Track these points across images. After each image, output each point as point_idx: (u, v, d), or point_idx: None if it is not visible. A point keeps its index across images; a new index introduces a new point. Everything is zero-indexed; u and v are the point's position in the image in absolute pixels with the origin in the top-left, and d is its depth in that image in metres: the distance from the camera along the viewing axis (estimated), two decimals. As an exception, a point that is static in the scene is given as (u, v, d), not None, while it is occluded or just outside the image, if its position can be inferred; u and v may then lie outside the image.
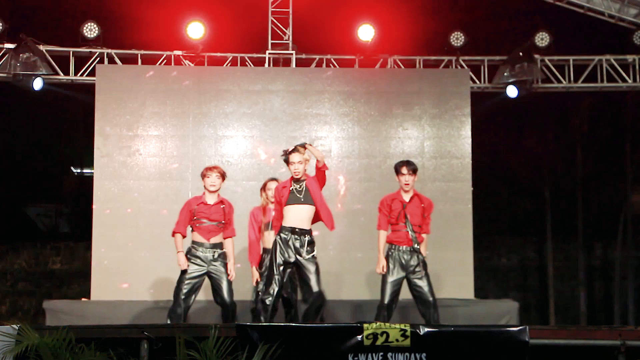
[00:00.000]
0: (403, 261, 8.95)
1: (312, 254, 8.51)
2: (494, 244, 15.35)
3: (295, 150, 8.66)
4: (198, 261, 8.80)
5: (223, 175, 8.99)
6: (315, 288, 8.44)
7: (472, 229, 12.51)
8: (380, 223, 9.07)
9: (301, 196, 8.60)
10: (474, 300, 12.02)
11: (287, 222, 8.55)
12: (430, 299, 8.93)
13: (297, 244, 8.50)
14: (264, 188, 9.50)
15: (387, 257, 8.98)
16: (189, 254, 8.82)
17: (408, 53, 13.17)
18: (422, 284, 8.97)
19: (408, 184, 9.07)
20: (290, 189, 8.65)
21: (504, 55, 13.12)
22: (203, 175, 8.96)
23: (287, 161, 8.68)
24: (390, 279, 8.95)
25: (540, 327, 7.84)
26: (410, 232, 8.98)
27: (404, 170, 9.09)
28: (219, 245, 8.90)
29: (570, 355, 7.36)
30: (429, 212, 9.19)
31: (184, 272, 8.79)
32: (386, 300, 8.92)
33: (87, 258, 12.36)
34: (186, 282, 8.76)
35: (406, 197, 9.08)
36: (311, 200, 8.58)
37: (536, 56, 12.94)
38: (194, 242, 8.86)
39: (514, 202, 16.14)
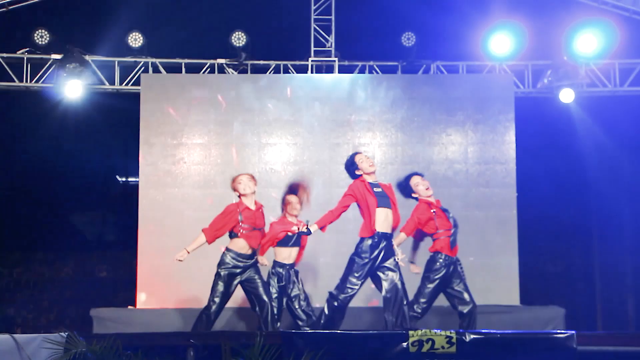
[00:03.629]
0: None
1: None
2: (539, 250, 15.19)
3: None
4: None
5: (254, 180, 9.05)
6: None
7: (517, 234, 12.43)
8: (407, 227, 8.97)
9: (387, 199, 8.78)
10: (520, 307, 11.92)
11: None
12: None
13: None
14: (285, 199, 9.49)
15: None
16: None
17: (451, 59, 13.13)
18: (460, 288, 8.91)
19: (429, 189, 9.00)
20: (375, 191, 8.73)
21: (548, 59, 13.03)
22: (234, 183, 9.01)
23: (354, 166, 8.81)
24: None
25: (588, 333, 7.77)
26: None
27: (417, 179, 9.02)
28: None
29: (619, 362, 7.28)
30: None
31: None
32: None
33: (132, 266, 12.45)
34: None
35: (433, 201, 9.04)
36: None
37: (581, 60, 12.83)
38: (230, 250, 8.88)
39: (559, 207, 15.98)
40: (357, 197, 8.74)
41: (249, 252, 8.82)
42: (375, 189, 8.76)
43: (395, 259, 8.67)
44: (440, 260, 8.81)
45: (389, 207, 8.72)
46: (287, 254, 9.19)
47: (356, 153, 9.10)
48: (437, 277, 8.78)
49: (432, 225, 8.90)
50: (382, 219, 8.66)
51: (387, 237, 8.67)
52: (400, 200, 9.18)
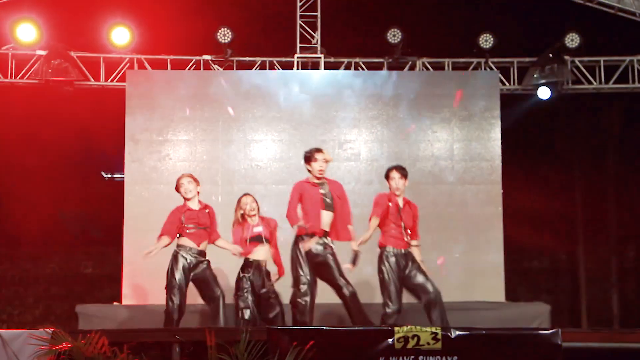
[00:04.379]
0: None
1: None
2: (524, 247, 15.24)
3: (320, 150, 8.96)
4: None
5: (196, 182, 9.24)
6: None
7: (502, 231, 12.45)
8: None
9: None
10: (505, 303, 11.94)
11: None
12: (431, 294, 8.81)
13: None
14: (239, 204, 9.45)
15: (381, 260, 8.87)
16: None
17: (437, 55, 13.14)
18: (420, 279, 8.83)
19: (399, 189, 8.95)
20: (321, 192, 8.79)
21: (533, 56, 13.06)
22: (177, 187, 9.28)
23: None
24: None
25: (573, 329, 7.81)
26: (405, 235, 8.88)
27: (394, 174, 8.95)
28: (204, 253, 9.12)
29: (604, 358, 7.31)
30: (417, 217, 9.08)
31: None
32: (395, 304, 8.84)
33: (118, 262, 12.42)
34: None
35: (399, 201, 8.96)
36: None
37: (566, 57, 12.86)
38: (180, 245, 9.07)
39: (544, 204, 16.04)
40: (303, 197, 8.83)
41: (198, 248, 9.03)
42: (321, 190, 8.83)
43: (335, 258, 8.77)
44: (386, 253, 8.78)
45: (332, 210, 8.89)
46: (254, 254, 9.20)
47: (318, 150, 9.07)
48: (387, 269, 8.75)
49: (386, 218, 8.87)
50: (326, 221, 8.84)
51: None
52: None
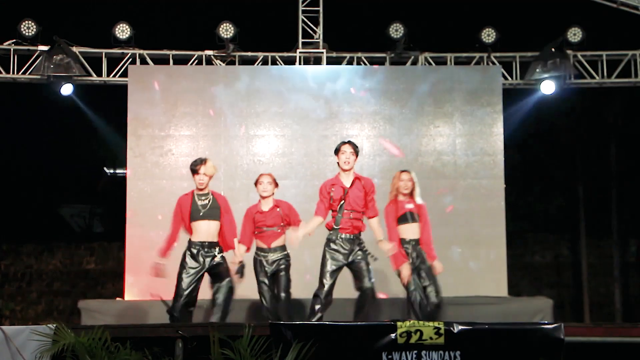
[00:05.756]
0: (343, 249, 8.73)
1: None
2: (527, 241, 15.25)
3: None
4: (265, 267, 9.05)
5: (275, 182, 9.15)
6: None
7: (505, 226, 12.45)
8: (318, 210, 8.80)
9: None
10: (508, 298, 11.96)
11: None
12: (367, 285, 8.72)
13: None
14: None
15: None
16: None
17: (439, 50, 13.13)
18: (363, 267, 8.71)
19: (349, 163, 8.72)
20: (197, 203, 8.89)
21: (536, 51, 13.04)
22: (256, 183, 9.17)
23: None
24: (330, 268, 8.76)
25: (576, 324, 7.79)
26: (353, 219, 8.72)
27: (346, 147, 8.73)
28: (281, 249, 9.09)
29: (606, 353, 7.30)
30: (372, 195, 8.81)
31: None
32: (325, 289, 8.70)
33: (120, 258, 12.44)
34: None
35: (347, 182, 8.77)
36: None
37: (569, 52, 12.84)
38: (257, 248, 9.12)
39: (547, 198, 16.03)
40: (181, 208, 8.95)
41: (269, 247, 9.06)
42: (199, 202, 8.82)
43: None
44: (329, 236, 8.73)
45: (211, 218, 8.80)
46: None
47: (202, 162, 8.87)
48: (327, 253, 8.73)
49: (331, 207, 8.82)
50: (204, 230, 8.82)
51: (205, 245, 8.82)
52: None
